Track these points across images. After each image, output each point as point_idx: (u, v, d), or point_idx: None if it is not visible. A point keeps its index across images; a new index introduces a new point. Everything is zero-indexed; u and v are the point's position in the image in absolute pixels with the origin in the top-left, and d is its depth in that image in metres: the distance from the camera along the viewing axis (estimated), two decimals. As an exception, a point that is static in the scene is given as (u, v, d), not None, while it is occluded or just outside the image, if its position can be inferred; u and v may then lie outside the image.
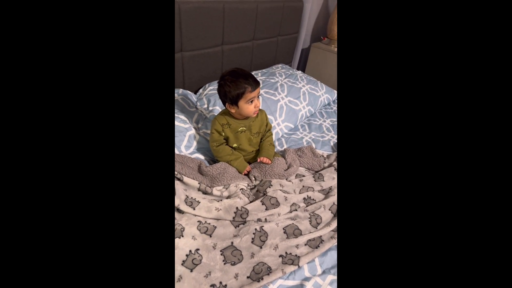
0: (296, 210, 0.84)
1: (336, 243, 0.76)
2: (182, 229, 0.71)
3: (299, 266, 0.68)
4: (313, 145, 1.19)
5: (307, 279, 0.66)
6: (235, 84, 0.85)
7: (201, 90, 1.33)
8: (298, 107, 1.34)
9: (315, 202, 0.88)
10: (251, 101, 0.89)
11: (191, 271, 0.64)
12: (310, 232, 0.77)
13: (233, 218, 0.77)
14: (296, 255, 0.71)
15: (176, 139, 0.99)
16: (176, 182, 0.81)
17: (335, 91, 1.62)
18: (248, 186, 0.93)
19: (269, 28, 1.56)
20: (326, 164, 1.07)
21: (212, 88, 1.28)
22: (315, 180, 0.97)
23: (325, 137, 1.28)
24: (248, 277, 0.65)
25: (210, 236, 0.72)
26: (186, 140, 1.02)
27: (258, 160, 0.98)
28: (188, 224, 0.73)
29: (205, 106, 1.21)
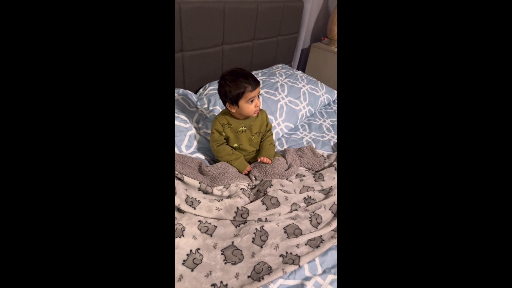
0: (296, 210, 0.84)
1: (336, 243, 0.76)
2: (182, 229, 0.71)
3: (299, 266, 0.68)
4: (313, 145, 1.19)
5: (307, 278, 0.66)
6: (236, 83, 0.85)
7: (201, 90, 1.33)
8: (298, 107, 1.34)
9: (316, 202, 0.88)
10: (252, 101, 0.89)
11: (192, 270, 0.64)
12: (311, 232, 0.78)
13: (234, 217, 0.77)
14: (296, 254, 0.71)
15: (176, 138, 0.99)
16: (177, 182, 0.81)
17: (335, 91, 1.62)
18: (248, 186, 0.93)
19: (269, 28, 1.56)
20: (326, 164, 1.08)
21: (212, 88, 1.28)
22: (315, 180, 0.97)
23: (325, 137, 1.28)
24: (248, 277, 0.65)
25: (211, 236, 0.72)
26: (186, 140, 1.02)
27: (259, 160, 0.98)
28: (188, 223, 0.73)
29: (206, 106, 1.21)
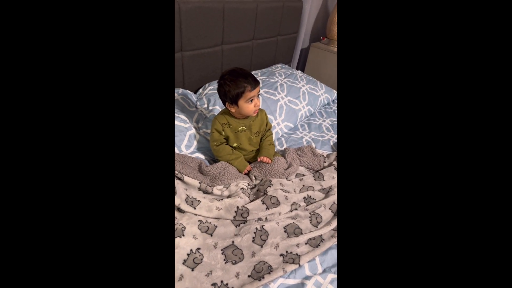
0: (296, 209, 0.85)
1: (336, 242, 0.77)
2: (183, 229, 0.71)
3: (299, 265, 0.68)
4: (313, 145, 1.19)
5: (308, 277, 0.67)
6: (235, 83, 0.85)
7: (201, 90, 1.33)
8: (298, 106, 1.35)
9: (315, 201, 0.88)
10: (251, 100, 0.89)
11: (192, 270, 0.64)
12: (311, 231, 0.78)
13: (234, 217, 0.77)
14: (296, 254, 0.71)
15: (176, 138, 0.99)
16: (177, 182, 0.81)
17: (335, 91, 1.62)
18: (248, 185, 0.93)
19: (269, 28, 1.56)
20: (326, 164, 1.08)
21: (212, 88, 1.28)
22: (315, 180, 0.97)
23: (324, 136, 1.28)
24: (249, 276, 0.65)
25: (211, 236, 0.72)
26: (186, 140, 1.02)
27: (258, 160, 0.98)
28: (189, 223, 0.73)
29: (205, 105, 1.21)
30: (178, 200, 0.76)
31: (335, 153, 1.13)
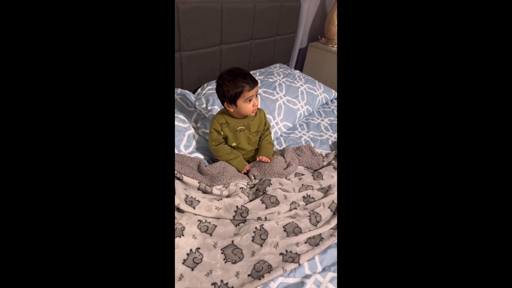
0: (295, 208, 0.85)
1: (335, 241, 0.77)
2: (182, 228, 0.71)
3: (299, 264, 0.69)
4: (312, 144, 1.20)
5: (307, 276, 0.67)
6: (233, 83, 0.85)
7: (199, 90, 1.33)
8: (296, 106, 1.35)
9: (315, 201, 0.89)
10: (250, 100, 0.89)
11: (192, 270, 0.64)
12: (310, 230, 0.78)
13: (233, 217, 0.77)
14: (296, 253, 0.71)
15: (175, 138, 0.99)
16: (176, 182, 0.81)
17: (333, 91, 1.62)
18: (247, 185, 0.93)
19: (267, 27, 1.56)
20: (324, 163, 1.08)
21: (210, 88, 1.28)
22: (314, 179, 0.97)
23: (323, 136, 1.29)
24: (249, 275, 0.65)
25: (211, 235, 0.72)
26: (185, 140, 1.02)
27: (257, 159, 0.98)
28: (188, 223, 0.73)
29: (204, 105, 1.21)
30: (178, 200, 0.75)
31: (333, 152, 1.13)
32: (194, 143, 1.05)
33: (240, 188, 0.88)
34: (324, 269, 0.70)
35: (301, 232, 0.77)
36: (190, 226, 0.72)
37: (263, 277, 0.64)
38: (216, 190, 0.87)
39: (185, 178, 0.85)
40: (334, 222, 0.81)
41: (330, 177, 0.97)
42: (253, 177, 0.96)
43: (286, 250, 0.72)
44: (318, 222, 0.82)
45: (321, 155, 1.13)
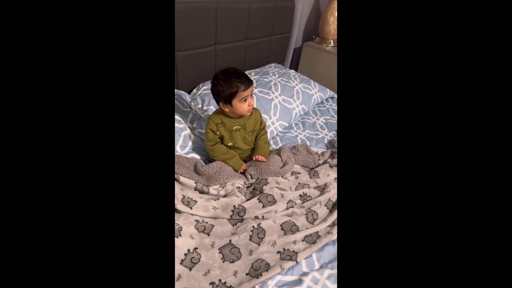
0: (292, 207, 0.85)
1: (332, 238, 0.78)
2: (180, 229, 0.71)
3: (297, 262, 0.69)
4: (308, 143, 1.20)
5: (305, 274, 0.67)
6: (228, 83, 0.86)
7: (195, 90, 1.32)
8: (292, 105, 1.35)
9: (311, 199, 0.89)
10: (245, 100, 0.89)
11: (190, 269, 0.64)
12: (307, 228, 0.78)
13: (231, 216, 0.77)
14: (293, 251, 0.72)
15: (171, 139, 0.99)
16: (173, 182, 0.81)
17: (328, 90, 1.63)
18: (244, 184, 0.93)
19: (262, 27, 1.57)
20: (320, 161, 1.09)
21: (206, 88, 1.27)
22: (310, 177, 0.98)
23: (319, 134, 1.29)
24: (247, 274, 0.65)
25: (208, 235, 0.73)
26: (181, 140, 1.02)
27: (254, 158, 0.98)
28: (185, 223, 0.73)
29: (199, 106, 1.21)
30: (175, 201, 0.75)
31: (329, 151, 1.14)
32: (190, 143, 1.05)
33: (237, 188, 0.88)
34: (321, 266, 0.70)
35: (298, 230, 0.77)
36: (187, 226, 0.72)
37: (261, 275, 0.64)
38: (213, 190, 0.87)
39: (182, 179, 0.84)
40: (331, 219, 0.82)
41: (326, 175, 0.98)
42: (249, 177, 0.96)
43: (284, 248, 0.72)
44: (315, 220, 0.82)
45: (317, 153, 1.13)
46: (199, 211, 0.77)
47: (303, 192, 0.91)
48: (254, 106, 1.02)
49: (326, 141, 1.25)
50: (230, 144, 0.99)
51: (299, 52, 2.04)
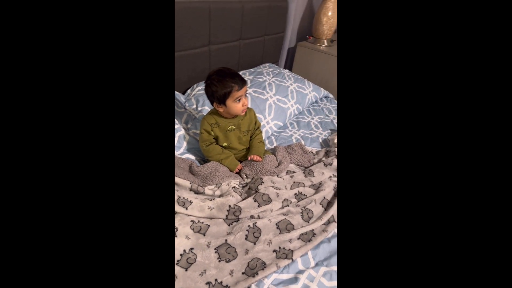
0: (288, 205, 0.86)
1: (328, 236, 0.78)
2: (175, 229, 0.71)
3: (292, 260, 0.70)
4: (302, 142, 1.21)
5: (301, 272, 0.68)
6: (222, 83, 0.86)
7: (189, 91, 1.32)
8: (287, 105, 1.36)
9: (306, 197, 0.90)
10: (239, 100, 0.89)
11: (186, 270, 0.64)
12: (302, 227, 0.79)
13: (226, 216, 0.78)
14: (289, 249, 0.72)
15: (165, 140, 0.99)
16: (168, 183, 0.81)
17: (322, 89, 1.64)
18: (240, 184, 0.94)
19: (256, 27, 1.57)
20: (315, 160, 1.10)
21: (200, 88, 1.27)
22: (305, 176, 0.99)
23: (313, 134, 1.30)
24: (243, 273, 0.65)
25: (204, 235, 0.73)
26: (176, 141, 1.02)
27: (249, 158, 0.98)
28: (181, 224, 0.73)
29: (194, 106, 1.21)
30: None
31: (324, 150, 1.15)
32: (184, 144, 1.04)
33: (233, 188, 0.88)
34: (317, 264, 0.71)
35: (293, 229, 0.78)
36: (183, 227, 0.72)
37: (257, 274, 0.65)
38: (208, 190, 0.87)
39: (177, 179, 0.84)
40: (326, 217, 0.82)
41: (321, 174, 0.99)
42: (245, 176, 0.97)
43: (279, 247, 0.72)
44: (310, 218, 0.83)
45: (312, 152, 1.14)
46: (195, 212, 0.77)
47: (298, 191, 0.91)
48: (249, 106, 1.02)
49: (320, 140, 1.26)
50: (225, 144, 1.00)
51: (293, 52, 2.05)
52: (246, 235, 0.74)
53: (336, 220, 0.83)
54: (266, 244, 0.73)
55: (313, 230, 0.79)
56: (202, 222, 0.76)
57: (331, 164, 1.03)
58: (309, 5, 2.00)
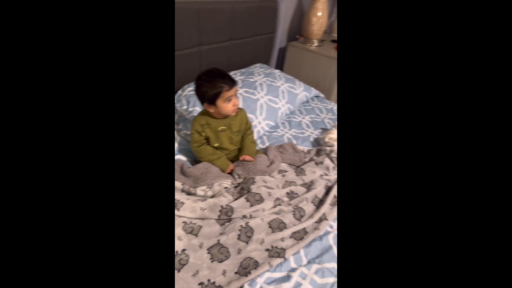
0: (280, 204, 0.86)
1: (320, 234, 0.79)
2: (167, 231, 0.70)
3: (285, 258, 0.70)
4: (294, 142, 1.22)
5: (293, 270, 0.68)
6: (212, 83, 0.86)
7: (180, 92, 1.31)
8: (278, 105, 1.37)
9: (298, 196, 0.90)
10: (229, 100, 0.90)
11: (179, 271, 0.64)
12: (294, 225, 0.80)
13: (218, 216, 0.78)
14: (281, 248, 0.73)
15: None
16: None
17: (313, 89, 1.66)
18: (232, 184, 0.94)
19: (246, 28, 1.57)
20: (307, 159, 1.11)
21: (191, 89, 1.27)
22: (297, 175, 0.99)
23: (305, 133, 1.31)
24: (236, 273, 0.66)
25: (196, 236, 0.72)
26: (167, 142, 1.01)
27: (241, 159, 0.99)
28: (173, 225, 0.73)
29: (185, 107, 1.20)
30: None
31: (315, 149, 1.16)
32: (176, 145, 1.04)
33: (225, 188, 0.88)
34: (309, 262, 0.71)
35: (285, 227, 0.78)
36: (175, 228, 0.72)
37: (249, 273, 0.65)
38: (200, 191, 0.87)
39: (168, 181, 0.84)
40: (317, 216, 0.83)
41: (312, 173, 1.00)
42: (237, 176, 0.97)
43: (272, 246, 0.73)
44: (302, 216, 0.84)
45: (303, 151, 1.15)
46: (187, 213, 0.77)
47: (290, 190, 0.92)
48: (240, 106, 1.02)
49: (312, 139, 1.27)
50: (216, 145, 0.99)
51: (284, 52, 2.06)
52: (238, 235, 0.74)
53: (327, 218, 0.84)
54: (259, 243, 0.73)
55: (305, 228, 0.80)
56: (194, 223, 0.75)
57: (322, 163, 1.04)
58: (299, 6, 2.02)
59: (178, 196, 0.81)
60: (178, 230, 0.72)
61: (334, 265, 0.71)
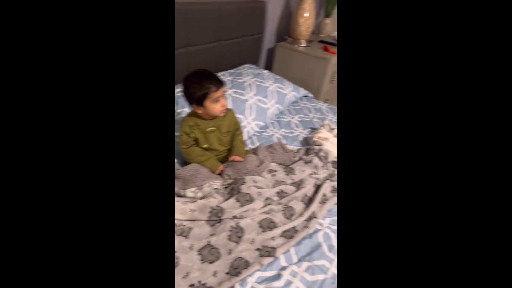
0: (270, 204, 0.87)
1: (309, 232, 0.80)
2: (156, 234, 0.70)
3: (275, 257, 0.71)
4: (284, 141, 1.23)
5: (283, 268, 0.69)
6: (199, 84, 0.86)
7: (168, 93, 1.30)
8: (267, 105, 1.38)
9: (288, 195, 0.91)
10: (217, 101, 0.90)
11: (168, 274, 0.63)
12: (285, 224, 0.80)
13: (209, 217, 0.77)
14: (272, 247, 0.73)
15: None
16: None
17: (301, 89, 1.68)
18: (222, 185, 0.94)
19: (234, 29, 1.57)
20: (296, 158, 1.12)
21: (179, 91, 1.26)
22: (286, 174, 1.00)
23: (294, 133, 1.32)
24: (227, 273, 0.66)
25: (186, 238, 0.72)
26: (155, 145, 1.00)
27: (230, 159, 0.99)
28: (162, 228, 0.72)
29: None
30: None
31: (304, 148, 1.17)
32: (165, 147, 1.03)
33: (214, 189, 0.88)
34: (299, 260, 0.72)
35: (276, 227, 0.79)
36: (164, 230, 0.71)
37: (240, 273, 0.65)
38: (189, 193, 0.87)
39: (157, 183, 0.83)
40: (307, 214, 0.84)
41: (301, 172, 1.01)
42: (227, 177, 0.97)
43: (262, 245, 0.73)
44: (292, 215, 0.84)
45: (292, 151, 1.16)
46: (176, 215, 0.76)
47: (280, 189, 0.93)
48: (229, 107, 1.02)
49: (301, 139, 1.28)
50: (205, 146, 0.99)
51: (272, 52, 2.07)
52: (229, 236, 0.74)
53: (317, 216, 0.85)
54: (249, 243, 0.73)
55: (295, 227, 0.80)
56: (184, 225, 0.75)
57: (311, 162, 1.05)
58: (287, 7, 2.04)
59: (167, 198, 0.81)
60: (168, 233, 0.71)
61: (324, 262, 0.72)
